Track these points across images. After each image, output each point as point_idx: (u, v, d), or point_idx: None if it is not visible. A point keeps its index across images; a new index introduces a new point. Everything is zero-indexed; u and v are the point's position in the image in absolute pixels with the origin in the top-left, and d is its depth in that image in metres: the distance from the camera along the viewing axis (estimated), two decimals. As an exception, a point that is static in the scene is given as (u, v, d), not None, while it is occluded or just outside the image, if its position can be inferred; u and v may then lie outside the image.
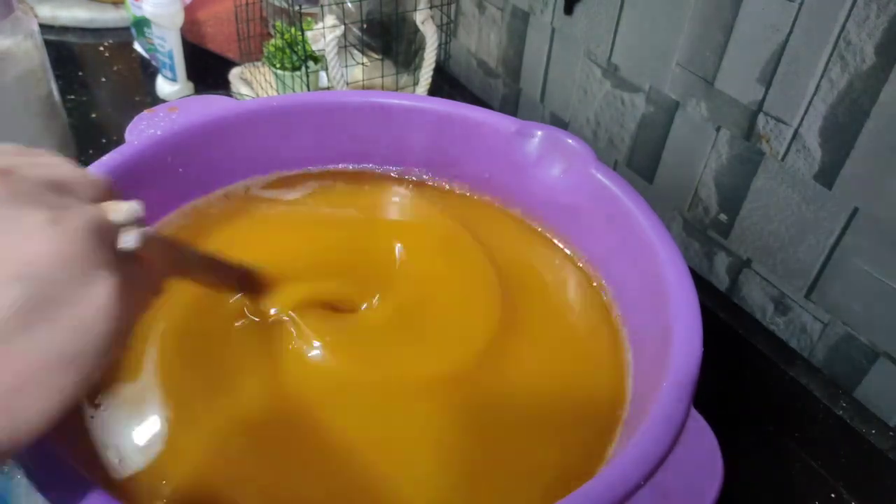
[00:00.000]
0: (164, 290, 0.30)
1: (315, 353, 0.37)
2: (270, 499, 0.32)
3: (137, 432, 0.34)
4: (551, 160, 0.47)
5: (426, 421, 0.36)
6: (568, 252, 0.47)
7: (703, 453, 0.31)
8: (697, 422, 0.31)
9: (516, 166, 0.48)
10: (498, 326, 0.41)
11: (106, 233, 0.24)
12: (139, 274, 0.26)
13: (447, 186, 0.52)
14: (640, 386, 0.37)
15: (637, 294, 0.40)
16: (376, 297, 0.41)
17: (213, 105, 0.48)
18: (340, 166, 0.52)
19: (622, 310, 0.42)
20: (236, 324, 0.39)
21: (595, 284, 0.45)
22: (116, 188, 0.28)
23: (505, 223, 0.50)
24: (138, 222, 0.25)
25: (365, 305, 0.41)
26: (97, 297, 0.22)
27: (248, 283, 0.38)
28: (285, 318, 0.38)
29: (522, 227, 0.49)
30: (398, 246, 0.46)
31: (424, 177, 0.52)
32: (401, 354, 0.39)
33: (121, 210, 0.25)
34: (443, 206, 0.51)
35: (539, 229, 0.49)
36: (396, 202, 0.52)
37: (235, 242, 0.44)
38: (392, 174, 0.53)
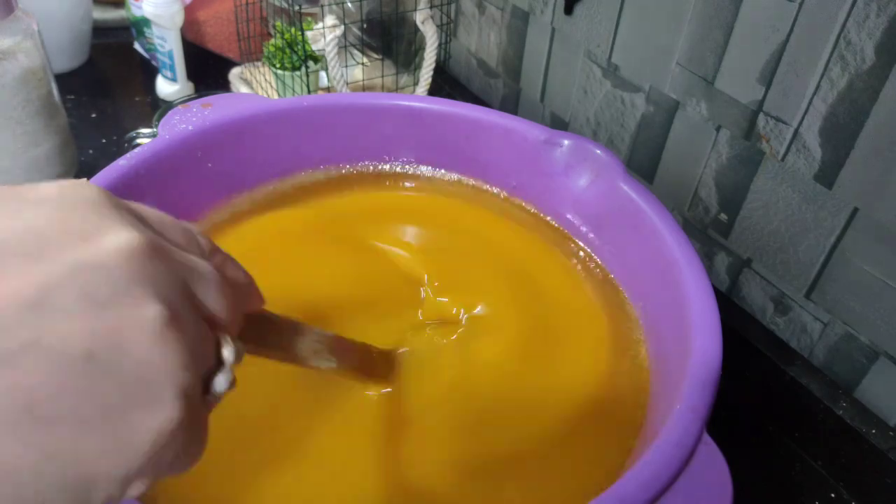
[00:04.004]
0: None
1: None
2: None
3: None
4: (579, 170, 0.46)
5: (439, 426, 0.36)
6: (596, 260, 0.47)
7: (713, 479, 0.29)
8: (709, 446, 0.30)
9: (544, 175, 0.48)
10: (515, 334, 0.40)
11: (202, 359, 0.21)
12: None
13: (472, 182, 0.52)
14: (657, 407, 0.36)
15: (659, 311, 0.40)
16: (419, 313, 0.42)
17: (245, 102, 0.48)
18: (361, 164, 0.52)
19: (644, 322, 0.42)
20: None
21: (622, 296, 0.44)
22: (255, 292, 0.26)
23: (529, 223, 0.50)
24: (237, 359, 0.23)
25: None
26: (155, 421, 0.19)
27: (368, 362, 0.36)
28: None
29: (548, 227, 0.49)
30: (419, 249, 0.46)
31: (453, 177, 0.52)
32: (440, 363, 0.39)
33: (230, 352, 0.22)
34: (461, 198, 0.51)
35: (566, 231, 0.48)
36: (416, 201, 0.52)
37: (262, 244, 0.45)
38: (418, 175, 0.53)
